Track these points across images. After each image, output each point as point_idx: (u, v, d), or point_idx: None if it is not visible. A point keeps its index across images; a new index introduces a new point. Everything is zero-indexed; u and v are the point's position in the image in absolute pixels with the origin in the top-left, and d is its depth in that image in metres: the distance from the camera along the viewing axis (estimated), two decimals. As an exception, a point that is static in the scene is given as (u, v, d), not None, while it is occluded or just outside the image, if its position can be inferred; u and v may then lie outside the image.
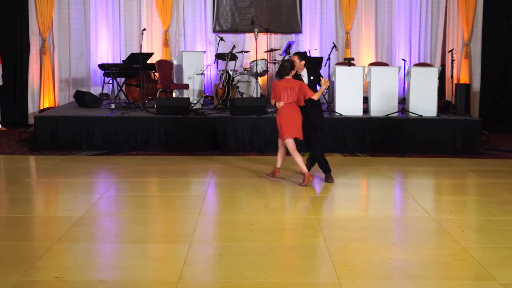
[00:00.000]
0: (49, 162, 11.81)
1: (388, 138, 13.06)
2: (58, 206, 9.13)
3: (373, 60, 16.39)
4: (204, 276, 6.28)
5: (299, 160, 9.99)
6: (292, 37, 16.58)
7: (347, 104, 13.45)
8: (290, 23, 16.67)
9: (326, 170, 10.33)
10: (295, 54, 10.30)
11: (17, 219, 8.16)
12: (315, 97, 9.93)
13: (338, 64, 15.04)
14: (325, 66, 14.43)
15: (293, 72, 9.97)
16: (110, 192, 9.70)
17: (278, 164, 10.42)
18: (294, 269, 6.51)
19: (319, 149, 10.20)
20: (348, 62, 13.65)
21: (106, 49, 16.72)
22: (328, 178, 10.28)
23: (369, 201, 9.66)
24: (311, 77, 10.18)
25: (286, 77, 9.95)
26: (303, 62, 10.12)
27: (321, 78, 10.15)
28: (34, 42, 16.33)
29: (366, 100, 13.90)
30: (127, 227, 7.92)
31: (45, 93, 16.32)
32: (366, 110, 13.74)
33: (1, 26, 15.83)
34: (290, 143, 9.99)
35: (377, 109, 13.44)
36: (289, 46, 15.24)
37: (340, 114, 13.31)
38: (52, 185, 10.36)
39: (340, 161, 12.18)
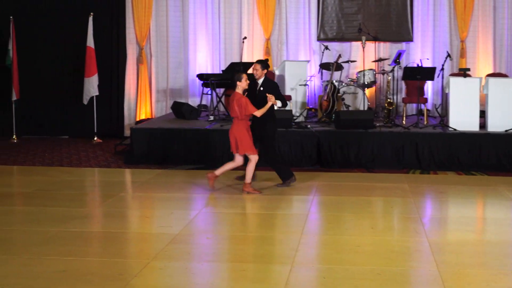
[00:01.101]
0: (145, 176, 12.03)
1: (508, 156, 12.73)
2: (154, 222, 9.28)
3: (491, 71, 16.04)
4: (307, 300, 6.26)
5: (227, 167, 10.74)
6: (402, 45, 16.40)
7: (462, 118, 13.19)
8: (400, 31, 16.50)
9: (282, 177, 11.01)
10: (257, 62, 10.83)
11: (112, 234, 8.33)
12: (257, 113, 10.41)
13: (453, 75, 14.78)
14: (438, 77, 14.20)
15: (239, 84, 10.40)
16: (208, 208, 9.80)
17: (218, 172, 10.79)
18: (404, 295, 6.41)
19: (268, 159, 10.89)
20: (464, 72, 13.40)
21: (205, 58, 16.94)
22: (281, 184, 11.01)
23: (485, 223, 9.43)
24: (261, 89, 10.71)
25: (236, 90, 10.49)
26: (265, 71, 10.71)
27: (267, 94, 10.50)
28: (131, 51, 16.73)
29: (482, 114, 13.59)
30: (226, 245, 7.97)
31: (141, 104, 16.67)
32: (482, 125, 13.43)
33: (98, 35, 16.25)
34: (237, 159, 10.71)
35: (495, 124, 13.13)
36: (399, 55, 15.06)
37: (454, 129, 13.07)
38: (148, 200, 10.55)
39: (454, 179, 11.95)
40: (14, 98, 16.12)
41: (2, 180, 11.43)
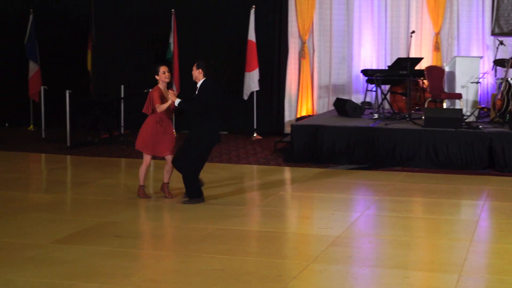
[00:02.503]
0: (305, 175, 12.12)
1: None
2: (313, 222, 9.34)
3: None
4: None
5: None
6: None
7: None
8: None
9: (189, 195, 10.03)
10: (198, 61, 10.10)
11: (270, 234, 8.44)
12: (158, 109, 9.95)
13: None
14: None
15: (157, 78, 10.05)
16: (370, 210, 9.77)
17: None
18: None
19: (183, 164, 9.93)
20: None
21: (370, 53, 16.86)
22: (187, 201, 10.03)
23: None
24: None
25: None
26: (200, 70, 9.85)
27: (169, 90, 10.10)
28: (293, 45, 16.87)
29: None
30: (389, 250, 7.91)
31: (302, 100, 16.79)
32: None
33: (260, 28, 16.49)
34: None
35: None
36: None
37: None
38: (308, 199, 10.62)
39: None
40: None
41: (162, 176, 11.75)
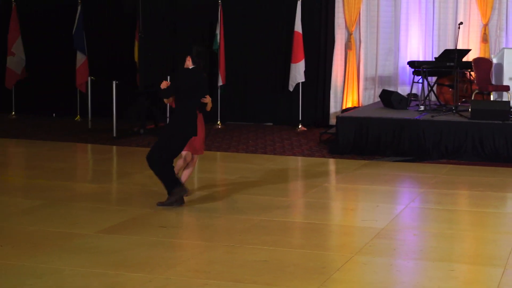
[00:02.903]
0: (350, 167, 12.12)
1: None
2: (358, 214, 9.35)
3: None
4: (520, 306, 6.11)
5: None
6: None
7: None
8: None
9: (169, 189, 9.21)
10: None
11: (314, 226, 8.47)
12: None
13: None
14: None
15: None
16: (415, 203, 9.75)
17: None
18: None
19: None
20: None
21: (417, 45, 16.76)
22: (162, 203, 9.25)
23: None
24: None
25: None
26: (189, 57, 9.30)
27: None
28: (340, 36, 16.85)
29: None
30: (433, 243, 7.90)
31: (348, 92, 16.77)
32: None
33: (306, 20, 16.51)
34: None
35: None
36: None
37: None
38: (352, 191, 10.64)
39: None
40: (220, 83, 16.66)
41: (209, 166, 11.85)
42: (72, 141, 14.75)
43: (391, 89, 16.11)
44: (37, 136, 15.23)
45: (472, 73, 15.27)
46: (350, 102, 16.73)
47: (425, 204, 9.76)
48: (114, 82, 15.27)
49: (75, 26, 17.53)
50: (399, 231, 8.36)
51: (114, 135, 14.99)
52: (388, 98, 14.84)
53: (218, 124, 16.73)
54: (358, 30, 16.83)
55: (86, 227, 8.20)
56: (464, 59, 15.22)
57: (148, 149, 9.23)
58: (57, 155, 13.30)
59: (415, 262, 7.18)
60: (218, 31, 16.73)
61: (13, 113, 18.26)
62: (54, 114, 18.58)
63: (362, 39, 16.82)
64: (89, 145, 14.44)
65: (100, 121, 16.33)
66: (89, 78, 16.75)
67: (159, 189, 9.40)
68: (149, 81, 16.58)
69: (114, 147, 14.09)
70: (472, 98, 14.37)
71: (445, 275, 6.75)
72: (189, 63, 9.27)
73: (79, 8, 17.55)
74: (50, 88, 18.34)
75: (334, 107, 16.79)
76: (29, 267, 6.74)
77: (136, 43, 17.19)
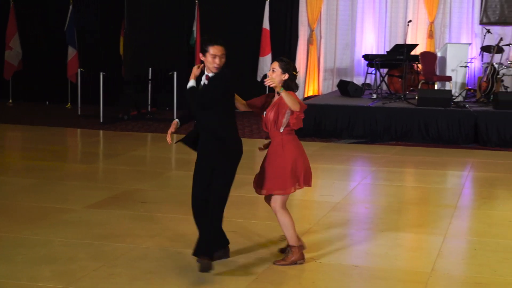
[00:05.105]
0: (311, 148, 12.13)
1: None
2: (316, 190, 9.36)
3: None
4: (457, 269, 6.17)
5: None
6: None
7: None
8: None
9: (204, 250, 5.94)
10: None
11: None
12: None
13: None
14: None
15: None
16: (367, 180, 9.82)
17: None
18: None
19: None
20: None
21: (371, 40, 16.82)
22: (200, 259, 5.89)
23: None
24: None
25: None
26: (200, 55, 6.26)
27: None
28: (303, 32, 16.89)
29: None
30: (382, 215, 7.96)
31: (309, 82, 16.81)
32: None
33: (273, 18, 16.55)
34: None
35: None
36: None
37: None
38: (312, 170, 10.61)
39: None
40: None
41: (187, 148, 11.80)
42: (63, 126, 14.65)
43: (348, 79, 16.17)
44: (32, 121, 15.12)
45: (419, 65, 15.36)
46: (311, 91, 16.77)
47: (376, 181, 9.82)
48: (101, 73, 15.18)
49: (66, 24, 17.38)
50: (353, 204, 8.42)
51: (101, 120, 14.91)
52: (345, 87, 14.89)
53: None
54: (319, 27, 16.85)
55: (75, 203, 8.18)
56: (412, 53, 15.31)
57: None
58: (50, 138, 13.21)
59: (366, 232, 7.24)
60: (194, 28, 16.70)
61: (10, 101, 18.12)
62: (47, 102, 18.46)
63: (322, 35, 16.84)
64: (79, 130, 14.35)
65: (88, 108, 16.20)
66: (79, 70, 16.61)
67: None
68: (132, 72, 16.52)
69: (101, 131, 14.01)
70: (419, 87, 14.45)
71: (393, 243, 6.81)
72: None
73: (70, 7, 17.40)
74: (44, 79, 18.29)
75: (297, 95, 16.76)
76: (23, 238, 6.72)
77: (122, 39, 17.10)
